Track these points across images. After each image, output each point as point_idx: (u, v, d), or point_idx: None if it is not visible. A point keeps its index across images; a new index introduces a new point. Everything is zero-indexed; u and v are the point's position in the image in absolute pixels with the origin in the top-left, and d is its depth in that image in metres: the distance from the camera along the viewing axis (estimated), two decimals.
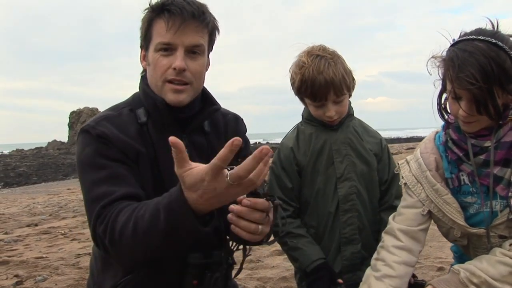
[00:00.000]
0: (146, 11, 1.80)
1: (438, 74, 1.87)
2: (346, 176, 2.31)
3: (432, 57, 1.86)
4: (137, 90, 1.96)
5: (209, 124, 1.95)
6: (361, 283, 2.02)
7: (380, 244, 2.06)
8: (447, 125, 1.96)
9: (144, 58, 1.86)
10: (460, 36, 1.82)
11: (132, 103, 1.89)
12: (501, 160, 1.83)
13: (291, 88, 2.36)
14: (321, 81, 2.17)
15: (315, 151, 2.33)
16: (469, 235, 1.97)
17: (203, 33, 1.79)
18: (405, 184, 2.04)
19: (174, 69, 1.74)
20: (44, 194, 15.18)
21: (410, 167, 2.03)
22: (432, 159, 1.98)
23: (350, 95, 2.33)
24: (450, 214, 1.93)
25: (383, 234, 2.08)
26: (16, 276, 4.67)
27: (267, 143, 48.09)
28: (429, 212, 1.99)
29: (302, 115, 2.47)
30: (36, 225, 8.10)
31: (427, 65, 1.88)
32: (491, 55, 1.69)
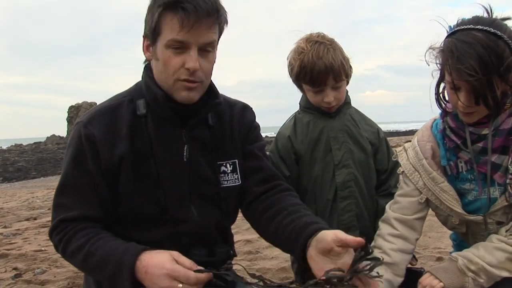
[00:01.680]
0: (155, 2, 1.70)
1: (436, 64, 1.85)
2: (344, 163, 2.31)
3: (430, 48, 1.84)
4: (137, 81, 1.92)
5: (213, 117, 1.90)
6: None
7: (377, 232, 2.07)
8: (445, 113, 1.95)
9: (147, 48, 1.78)
10: (457, 25, 1.79)
11: (133, 93, 1.86)
12: (499, 147, 1.83)
13: (289, 75, 2.35)
14: (320, 66, 2.18)
15: (313, 139, 2.33)
16: (467, 222, 1.98)
17: (215, 29, 1.73)
18: (403, 172, 2.04)
19: (187, 69, 1.69)
20: (43, 189, 15.17)
21: (408, 155, 2.03)
22: (429, 147, 1.99)
23: (347, 82, 2.33)
24: (447, 202, 1.94)
25: (379, 222, 2.09)
26: (15, 269, 4.66)
27: (266, 136, 48.13)
28: (427, 200, 2.00)
29: (299, 103, 2.46)
30: (35, 218, 8.09)
31: (425, 56, 1.86)
32: (490, 45, 1.66)
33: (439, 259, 4.14)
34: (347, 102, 2.40)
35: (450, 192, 1.94)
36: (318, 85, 2.23)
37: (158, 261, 1.52)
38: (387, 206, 2.09)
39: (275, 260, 4.53)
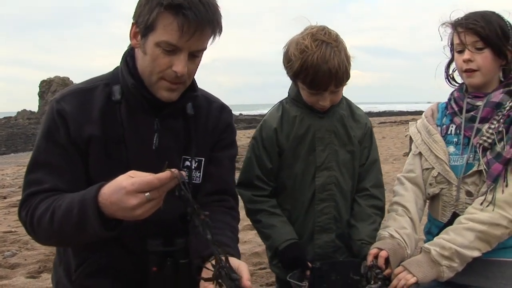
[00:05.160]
0: None
1: (447, 43, 2.22)
2: (326, 165, 2.26)
3: (443, 23, 2.18)
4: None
5: (192, 107, 1.89)
6: (384, 222, 2.26)
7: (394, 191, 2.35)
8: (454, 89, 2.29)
9: (135, 35, 1.73)
10: None
11: (110, 78, 1.84)
12: (485, 117, 2.08)
13: (284, 66, 2.23)
14: (325, 71, 2.05)
15: (298, 136, 2.26)
16: (441, 185, 2.16)
17: (210, 38, 1.72)
18: (408, 135, 2.38)
19: (174, 71, 1.68)
20: (14, 166, 14.92)
21: (417, 122, 2.37)
22: (430, 110, 2.35)
23: (346, 83, 2.21)
24: (435, 151, 2.18)
25: (394, 188, 2.37)
26: None
27: (240, 114, 48.06)
28: (419, 156, 2.27)
29: (288, 93, 2.36)
30: (4, 197, 7.98)
31: (438, 29, 2.21)
32: (495, 13, 2.07)
33: None
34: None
35: (440, 143, 2.18)
36: (318, 89, 2.13)
37: (115, 186, 1.45)
38: (398, 175, 2.36)
39: (248, 244, 4.56)
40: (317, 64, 2.05)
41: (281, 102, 2.39)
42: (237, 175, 2.14)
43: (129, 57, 1.81)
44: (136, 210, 1.43)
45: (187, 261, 1.73)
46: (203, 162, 1.91)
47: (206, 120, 1.94)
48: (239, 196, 2.14)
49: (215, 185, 1.94)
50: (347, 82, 2.18)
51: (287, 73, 2.22)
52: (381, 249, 2.03)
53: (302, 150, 2.27)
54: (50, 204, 1.62)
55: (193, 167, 1.88)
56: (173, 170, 1.41)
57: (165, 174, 1.40)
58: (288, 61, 2.17)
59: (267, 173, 2.29)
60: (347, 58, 2.12)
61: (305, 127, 2.26)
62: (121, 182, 1.44)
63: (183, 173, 1.45)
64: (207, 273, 1.48)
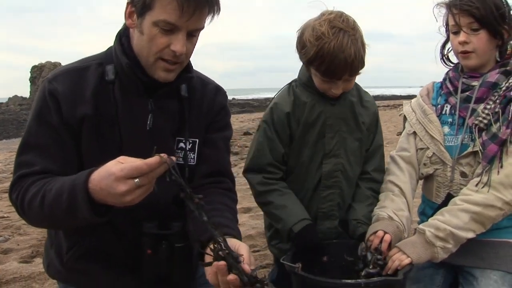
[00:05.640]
0: None
1: (442, 23, 2.19)
2: (334, 152, 2.23)
3: (437, 4, 2.16)
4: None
5: (186, 89, 1.87)
6: (380, 202, 2.21)
7: (386, 170, 2.33)
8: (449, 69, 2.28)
9: (130, 15, 1.71)
10: None
11: (104, 58, 1.81)
12: (481, 98, 2.07)
13: (297, 50, 2.16)
14: (341, 60, 1.99)
15: (308, 123, 2.21)
16: (436, 165, 2.15)
17: (208, 17, 1.70)
18: (402, 114, 2.36)
19: (173, 51, 1.66)
20: (5, 152, 14.83)
21: (411, 102, 2.36)
22: (425, 89, 2.33)
23: (360, 73, 2.15)
24: (430, 130, 2.17)
25: (387, 166, 2.34)
26: None
27: (233, 98, 47.93)
28: (414, 136, 2.26)
29: (299, 76, 2.30)
30: None
31: (433, 10, 2.19)
32: None
33: None
34: None
35: (435, 123, 2.18)
36: (331, 78, 2.08)
37: (104, 172, 1.43)
38: (391, 152, 2.33)
39: (242, 227, 4.55)
40: (333, 52, 1.99)
41: (290, 85, 2.33)
42: (231, 158, 2.10)
43: (124, 37, 1.78)
44: (125, 196, 1.40)
45: (182, 245, 1.72)
46: (197, 144, 1.90)
47: (200, 102, 1.92)
48: (247, 182, 2.11)
49: (211, 166, 1.93)
50: (361, 71, 2.12)
51: (300, 58, 2.16)
52: (386, 232, 2.01)
53: (311, 136, 2.23)
54: (40, 187, 1.60)
55: (187, 149, 1.87)
56: (162, 155, 1.38)
57: (153, 159, 1.37)
58: (302, 46, 2.11)
59: (279, 157, 2.25)
60: (363, 46, 2.06)
61: (316, 113, 2.21)
62: (110, 168, 1.42)
63: (173, 158, 1.41)
64: (209, 258, 1.45)
